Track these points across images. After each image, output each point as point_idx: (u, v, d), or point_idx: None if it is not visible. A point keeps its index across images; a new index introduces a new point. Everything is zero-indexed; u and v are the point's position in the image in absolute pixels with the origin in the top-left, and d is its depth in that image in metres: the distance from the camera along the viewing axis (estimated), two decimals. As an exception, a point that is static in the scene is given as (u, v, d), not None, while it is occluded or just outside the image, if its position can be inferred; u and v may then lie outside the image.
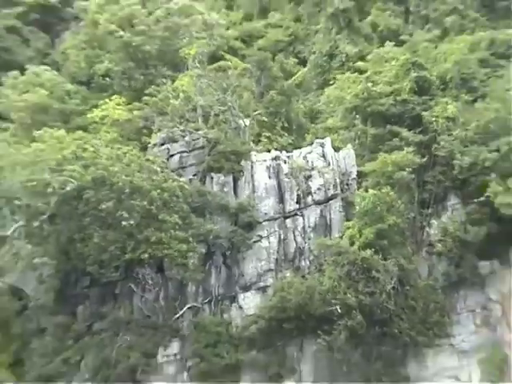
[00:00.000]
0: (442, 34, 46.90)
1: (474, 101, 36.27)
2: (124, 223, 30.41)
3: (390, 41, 44.48)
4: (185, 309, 32.19)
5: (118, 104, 37.48)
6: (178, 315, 32.06)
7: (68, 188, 30.31)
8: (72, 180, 30.62)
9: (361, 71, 40.60)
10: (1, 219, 32.47)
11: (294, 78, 46.83)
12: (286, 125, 39.39)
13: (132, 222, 30.37)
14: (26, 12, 55.38)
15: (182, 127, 35.17)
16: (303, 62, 50.85)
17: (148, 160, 33.28)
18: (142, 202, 30.35)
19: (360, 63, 42.60)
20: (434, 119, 34.33)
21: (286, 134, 38.64)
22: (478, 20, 47.19)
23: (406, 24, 51.99)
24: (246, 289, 32.94)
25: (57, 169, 31.01)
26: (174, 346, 31.95)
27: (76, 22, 55.01)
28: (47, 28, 56.63)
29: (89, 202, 30.76)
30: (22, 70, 43.86)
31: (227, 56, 45.59)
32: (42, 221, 31.35)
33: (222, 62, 42.24)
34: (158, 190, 31.12)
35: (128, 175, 31.14)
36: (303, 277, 32.43)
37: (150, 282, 31.85)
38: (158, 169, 32.73)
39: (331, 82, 43.24)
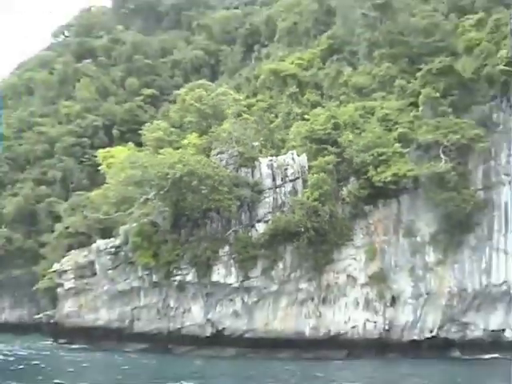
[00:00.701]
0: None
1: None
2: (203, 192, 58.98)
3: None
4: (230, 231, 60.70)
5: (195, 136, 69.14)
6: (228, 233, 60.60)
7: (176, 175, 58.92)
8: (178, 171, 59.59)
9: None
10: (145, 191, 62.93)
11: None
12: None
13: (205, 191, 59.14)
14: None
15: (226, 147, 67.25)
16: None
17: (211, 162, 62.62)
18: (210, 181, 59.15)
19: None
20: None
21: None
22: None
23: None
24: (258, 221, 60.91)
25: (171, 166, 59.63)
26: (226, 248, 60.16)
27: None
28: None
29: (186, 182, 59.96)
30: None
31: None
32: (164, 191, 59.68)
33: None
34: (217, 176, 60.47)
35: (203, 169, 60.25)
36: (285, 215, 60.11)
37: (214, 218, 62.15)
38: (215, 166, 62.15)
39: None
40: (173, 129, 72.07)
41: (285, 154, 64.66)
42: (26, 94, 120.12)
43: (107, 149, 77.62)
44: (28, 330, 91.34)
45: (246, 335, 62.12)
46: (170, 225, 60.98)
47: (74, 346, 64.18)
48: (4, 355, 53.54)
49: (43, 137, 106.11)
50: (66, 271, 65.33)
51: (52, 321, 67.25)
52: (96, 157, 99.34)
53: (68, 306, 65.76)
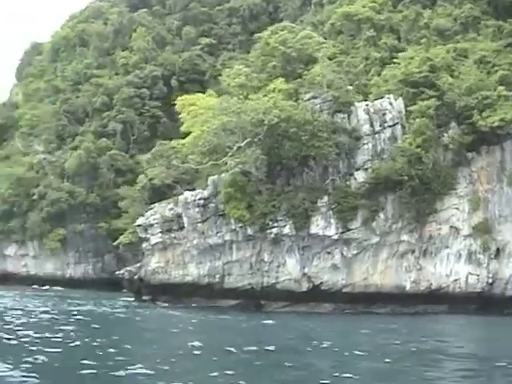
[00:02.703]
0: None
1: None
2: (303, 138, 54.68)
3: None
4: (328, 180, 56.17)
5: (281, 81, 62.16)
6: (326, 182, 56.04)
7: (273, 121, 54.49)
8: (274, 117, 54.88)
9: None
10: (237, 139, 57.30)
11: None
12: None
13: (305, 137, 54.88)
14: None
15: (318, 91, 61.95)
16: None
17: (308, 107, 57.42)
18: (310, 127, 54.83)
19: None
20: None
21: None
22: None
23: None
24: (357, 169, 56.90)
25: (266, 112, 54.63)
26: (325, 198, 55.73)
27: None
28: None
29: (282, 128, 55.48)
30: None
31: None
32: (259, 138, 55.66)
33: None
34: (316, 121, 56.21)
35: (301, 114, 55.53)
36: (386, 163, 57.14)
37: (312, 167, 58.17)
38: (313, 111, 57.01)
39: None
40: (255, 74, 65.22)
41: (372, 99, 60.28)
42: (79, 46, 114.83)
43: (185, 96, 72.20)
44: (93, 285, 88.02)
45: (344, 290, 57.63)
46: (265, 174, 55.80)
47: (160, 303, 59.06)
48: (88, 313, 48.20)
49: (101, 89, 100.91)
50: (151, 225, 60.16)
51: (136, 277, 61.98)
52: (156, 108, 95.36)
53: (154, 262, 60.62)
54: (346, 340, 37.38)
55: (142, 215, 62.15)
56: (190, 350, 28.00)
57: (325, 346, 31.83)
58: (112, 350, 26.64)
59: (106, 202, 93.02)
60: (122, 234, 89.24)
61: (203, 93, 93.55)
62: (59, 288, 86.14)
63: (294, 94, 61.74)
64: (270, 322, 44.46)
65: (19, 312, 44.93)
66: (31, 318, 41.56)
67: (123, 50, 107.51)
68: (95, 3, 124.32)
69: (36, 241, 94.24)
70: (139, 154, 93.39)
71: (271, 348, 29.93)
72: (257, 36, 73.69)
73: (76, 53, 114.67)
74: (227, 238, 57.93)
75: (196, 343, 29.51)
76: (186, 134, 68.49)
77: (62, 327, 35.07)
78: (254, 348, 29.91)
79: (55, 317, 42.81)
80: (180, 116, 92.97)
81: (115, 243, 72.91)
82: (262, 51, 66.89)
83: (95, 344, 28.66)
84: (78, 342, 28.79)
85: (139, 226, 61.44)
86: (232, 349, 28.41)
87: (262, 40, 68.06)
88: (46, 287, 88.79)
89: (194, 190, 60.36)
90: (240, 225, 57.07)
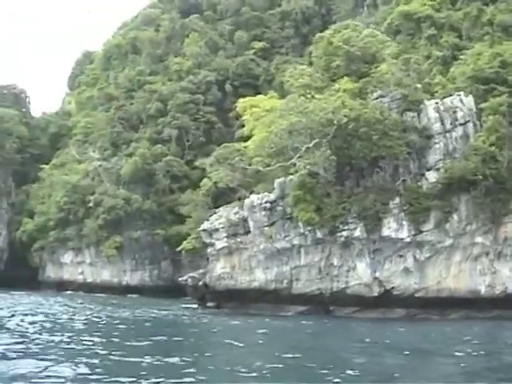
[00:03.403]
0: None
1: None
2: (373, 137, 52.56)
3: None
4: (400, 181, 53.71)
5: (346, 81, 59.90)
6: (397, 183, 53.66)
7: (342, 121, 52.55)
8: (344, 117, 52.81)
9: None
10: (305, 139, 55.90)
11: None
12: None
13: (375, 137, 52.73)
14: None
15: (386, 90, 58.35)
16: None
17: (378, 106, 55.22)
18: (380, 126, 52.74)
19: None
20: None
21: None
22: None
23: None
24: (428, 169, 54.39)
25: (334, 112, 52.70)
26: (397, 199, 53.14)
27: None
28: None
29: (352, 128, 53.26)
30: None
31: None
32: (328, 139, 53.50)
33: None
34: (386, 120, 53.87)
35: (371, 113, 53.34)
36: (458, 162, 54.08)
37: (382, 167, 54.47)
38: (382, 110, 54.60)
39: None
40: (318, 74, 63.05)
41: (440, 97, 58.13)
42: (131, 54, 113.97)
43: (248, 98, 70.44)
44: (149, 292, 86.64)
45: (417, 294, 55.12)
46: (334, 176, 53.89)
47: (225, 310, 57.02)
48: (155, 320, 47.01)
49: (155, 95, 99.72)
50: (217, 229, 58.22)
51: (200, 283, 60.07)
52: (210, 113, 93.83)
53: (220, 267, 58.68)
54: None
55: (207, 220, 59.93)
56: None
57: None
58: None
59: (162, 209, 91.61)
60: (179, 240, 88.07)
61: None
62: (116, 295, 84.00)
63: (358, 94, 59.72)
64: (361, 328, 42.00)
65: (102, 320, 43.96)
66: (116, 326, 40.77)
67: (176, 56, 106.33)
68: (146, 10, 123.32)
69: (92, 248, 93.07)
70: (196, 160, 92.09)
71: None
72: (318, 36, 71.41)
73: (128, 60, 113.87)
74: (295, 242, 55.84)
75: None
76: (247, 137, 66.72)
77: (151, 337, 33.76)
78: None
79: (133, 326, 42.03)
80: (236, 120, 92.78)
81: (178, 249, 70.76)
82: (324, 51, 64.42)
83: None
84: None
85: (204, 230, 59.53)
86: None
87: (324, 39, 65.62)
88: (103, 295, 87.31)
89: (258, 193, 57.80)
90: (309, 228, 54.97)
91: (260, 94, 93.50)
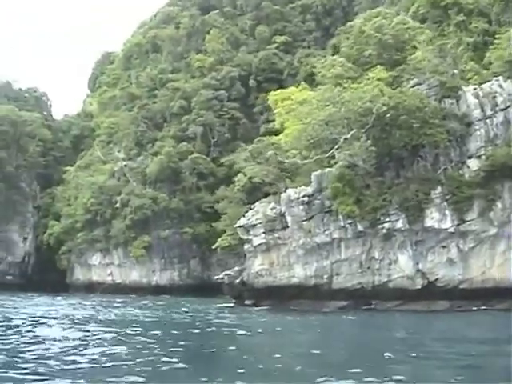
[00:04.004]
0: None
1: None
2: (414, 126, 50.85)
3: None
4: (441, 169, 52.10)
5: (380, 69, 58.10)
6: (438, 172, 52.01)
7: (381, 110, 50.60)
8: (383, 105, 50.77)
9: None
10: (339, 132, 54.11)
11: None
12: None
13: (416, 125, 50.84)
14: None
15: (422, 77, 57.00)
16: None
17: (417, 93, 53.40)
18: (421, 114, 50.95)
19: None
20: None
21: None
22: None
23: None
24: (469, 157, 52.71)
25: (372, 100, 51.08)
26: (438, 188, 51.39)
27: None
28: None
29: (390, 117, 51.31)
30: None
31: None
32: (366, 128, 51.87)
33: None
34: (426, 108, 51.89)
35: (411, 101, 51.56)
36: (500, 148, 52.44)
37: (423, 156, 52.93)
38: (421, 97, 52.84)
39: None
40: (349, 64, 61.22)
41: (477, 82, 56.08)
42: (152, 52, 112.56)
43: (279, 91, 68.77)
44: (179, 292, 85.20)
45: (461, 286, 53.10)
46: (374, 167, 52.23)
47: (265, 308, 55.22)
48: (200, 321, 44.43)
49: (178, 93, 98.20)
50: (254, 225, 56.54)
51: (237, 281, 58.43)
52: (234, 109, 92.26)
53: (257, 264, 57.00)
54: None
55: (243, 216, 58.23)
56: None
57: None
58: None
59: (190, 207, 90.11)
60: (208, 238, 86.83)
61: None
62: (146, 296, 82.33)
63: (392, 83, 58.10)
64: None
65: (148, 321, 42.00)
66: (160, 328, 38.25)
67: (197, 53, 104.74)
68: (165, 8, 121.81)
69: (120, 249, 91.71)
70: (221, 156, 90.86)
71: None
72: (348, 25, 69.69)
73: (149, 59, 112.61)
74: (335, 235, 54.11)
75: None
76: (277, 131, 65.12)
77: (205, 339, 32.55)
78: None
79: (178, 329, 39.60)
80: (260, 116, 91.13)
81: (214, 246, 68.93)
82: (355, 40, 62.60)
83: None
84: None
85: (241, 227, 57.77)
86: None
87: (354, 28, 63.80)
88: (133, 295, 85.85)
89: (295, 187, 56.08)
90: (349, 221, 53.28)
91: (284, 88, 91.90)
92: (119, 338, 31.26)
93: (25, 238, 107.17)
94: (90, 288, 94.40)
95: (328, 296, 55.01)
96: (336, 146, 51.79)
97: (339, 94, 52.61)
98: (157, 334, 33.65)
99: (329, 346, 30.90)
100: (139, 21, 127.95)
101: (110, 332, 33.52)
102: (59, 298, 74.38)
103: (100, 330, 34.13)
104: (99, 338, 30.70)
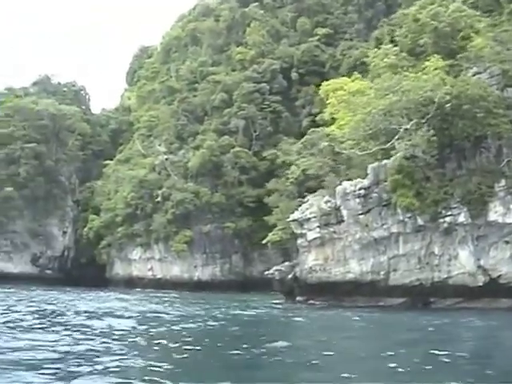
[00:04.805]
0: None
1: None
2: (478, 115, 47.99)
3: None
4: (504, 162, 48.80)
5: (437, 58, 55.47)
6: (502, 164, 48.86)
7: (443, 99, 48.27)
8: (445, 95, 48.46)
9: None
10: (398, 122, 51.36)
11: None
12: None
13: (480, 115, 48.35)
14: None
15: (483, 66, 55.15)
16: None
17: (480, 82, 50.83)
18: (484, 103, 48.26)
19: None
20: None
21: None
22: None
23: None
24: None
25: (434, 89, 48.98)
26: (502, 181, 48.56)
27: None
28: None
29: (452, 106, 48.81)
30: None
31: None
32: (427, 118, 49.30)
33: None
34: (490, 97, 48.88)
35: (474, 90, 49.30)
36: None
37: (486, 147, 50.51)
38: (484, 86, 50.17)
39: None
40: (404, 53, 58.66)
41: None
42: (191, 45, 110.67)
43: (331, 81, 66.44)
44: (220, 287, 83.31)
45: (526, 283, 50.04)
46: (435, 159, 49.30)
47: (318, 304, 53.03)
48: (253, 317, 42.55)
49: (219, 86, 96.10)
50: (308, 219, 54.23)
51: (290, 276, 56.19)
52: (276, 102, 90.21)
53: (311, 259, 54.70)
54: None
55: (296, 209, 55.96)
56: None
57: None
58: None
59: (232, 201, 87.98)
60: (250, 233, 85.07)
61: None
62: (187, 291, 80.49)
63: (449, 71, 55.22)
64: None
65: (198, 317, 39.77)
66: (211, 324, 36.56)
67: (238, 46, 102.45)
68: (204, 1, 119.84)
69: (161, 243, 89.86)
70: (263, 150, 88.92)
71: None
72: (400, 13, 67.08)
73: (188, 52, 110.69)
74: (394, 230, 51.69)
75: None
76: (325, 123, 62.93)
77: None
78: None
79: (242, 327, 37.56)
80: (302, 109, 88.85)
81: (264, 241, 66.43)
82: (408, 29, 59.98)
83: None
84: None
85: (294, 220, 55.46)
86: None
87: (408, 17, 61.18)
88: (174, 291, 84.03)
89: (350, 179, 53.73)
90: (408, 215, 50.81)
91: (327, 80, 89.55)
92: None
93: (64, 232, 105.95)
94: (130, 283, 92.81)
95: (384, 293, 52.81)
96: (396, 137, 49.08)
97: (399, 82, 49.85)
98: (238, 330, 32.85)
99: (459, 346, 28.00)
100: (177, 14, 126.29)
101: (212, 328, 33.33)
102: (108, 292, 72.70)
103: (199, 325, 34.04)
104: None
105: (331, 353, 24.71)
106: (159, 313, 43.54)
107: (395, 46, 61.78)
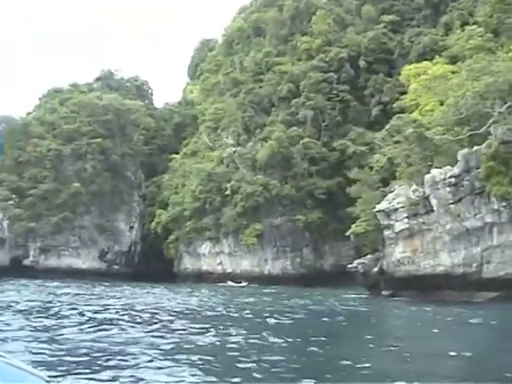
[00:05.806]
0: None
1: None
2: None
3: None
4: None
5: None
6: None
7: None
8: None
9: None
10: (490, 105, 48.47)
11: None
12: None
13: None
14: None
15: None
16: None
17: None
18: None
19: None
20: None
21: None
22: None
23: None
24: None
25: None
26: None
27: None
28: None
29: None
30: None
31: None
32: None
33: None
34: None
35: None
36: None
37: None
38: None
39: None
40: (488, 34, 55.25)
41: None
42: (254, 36, 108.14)
43: (412, 65, 63.34)
44: (291, 281, 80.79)
45: None
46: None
47: (405, 299, 49.96)
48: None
49: (285, 76, 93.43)
50: (395, 210, 51.29)
51: (375, 269, 53.37)
52: (344, 91, 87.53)
53: (399, 252, 51.74)
54: None
55: (382, 200, 53.05)
56: None
57: None
58: None
59: (302, 193, 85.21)
60: (320, 225, 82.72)
61: (390, 74, 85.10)
62: (258, 285, 78.24)
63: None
64: None
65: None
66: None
67: (303, 35, 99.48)
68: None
69: (231, 237, 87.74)
70: (332, 141, 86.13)
71: None
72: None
73: (252, 43, 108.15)
74: (488, 219, 48.33)
75: None
76: (403, 110, 59.89)
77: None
78: None
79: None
80: (371, 98, 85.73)
81: (348, 233, 63.65)
82: (492, 9, 56.51)
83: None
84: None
85: (380, 211, 52.56)
86: None
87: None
88: (243, 284, 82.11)
89: (439, 167, 50.57)
90: (504, 204, 47.52)
91: (394, 69, 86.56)
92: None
93: (131, 227, 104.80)
94: (199, 277, 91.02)
95: (476, 286, 49.38)
96: (490, 121, 45.76)
97: (492, 64, 46.49)
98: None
99: None
100: (238, 6, 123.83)
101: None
102: (185, 288, 71.11)
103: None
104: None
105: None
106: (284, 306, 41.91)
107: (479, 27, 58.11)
